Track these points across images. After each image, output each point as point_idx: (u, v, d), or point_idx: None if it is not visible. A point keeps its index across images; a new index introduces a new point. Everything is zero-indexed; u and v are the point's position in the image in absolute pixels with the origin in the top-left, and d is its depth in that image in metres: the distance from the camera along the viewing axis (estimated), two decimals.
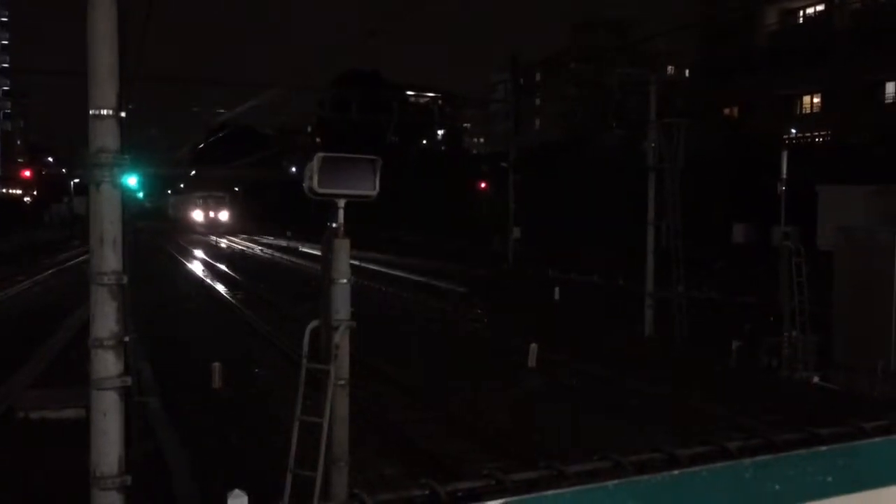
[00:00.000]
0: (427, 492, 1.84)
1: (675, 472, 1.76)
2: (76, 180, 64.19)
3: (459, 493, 1.86)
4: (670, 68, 68.40)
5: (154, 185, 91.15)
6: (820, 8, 46.73)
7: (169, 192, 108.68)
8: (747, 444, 2.07)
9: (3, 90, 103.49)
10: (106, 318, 4.02)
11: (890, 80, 41.71)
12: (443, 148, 66.75)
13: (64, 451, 8.13)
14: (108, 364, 4.04)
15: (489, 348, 16.54)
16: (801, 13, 48.68)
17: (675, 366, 14.75)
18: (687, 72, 62.52)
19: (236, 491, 5.84)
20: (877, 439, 2.11)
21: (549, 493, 1.64)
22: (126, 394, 4.18)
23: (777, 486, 1.91)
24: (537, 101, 79.24)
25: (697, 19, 49.11)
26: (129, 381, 4.16)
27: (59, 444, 8.67)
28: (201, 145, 77.34)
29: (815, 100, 46.50)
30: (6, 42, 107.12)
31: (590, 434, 10.19)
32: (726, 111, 50.28)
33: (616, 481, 1.66)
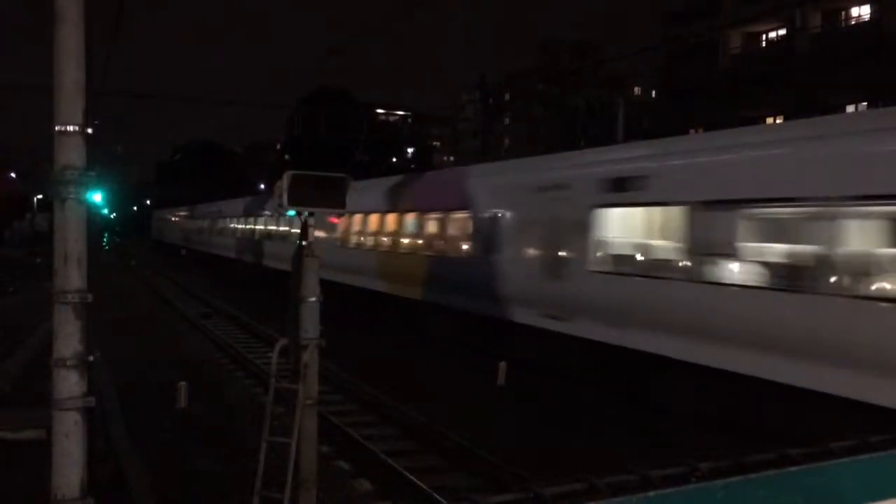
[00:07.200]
0: None
1: (651, 493, 1.78)
2: (39, 196, 63.14)
3: None
4: (637, 90, 69.46)
5: (118, 199, 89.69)
6: (782, 32, 47.73)
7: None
8: (718, 466, 2.10)
9: None
10: (69, 338, 3.95)
11: (849, 104, 42.60)
12: (412, 166, 66.94)
13: (23, 473, 7.92)
14: (70, 384, 3.96)
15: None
16: (764, 37, 49.68)
17: None
18: (654, 93, 63.47)
19: None
20: (844, 459, 2.17)
21: None
22: (90, 414, 4.10)
23: None
24: (506, 121, 79.88)
25: (663, 41, 49.90)
26: (92, 401, 4.08)
27: (18, 467, 8.44)
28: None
29: (778, 121, 47.32)
30: None
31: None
32: (691, 132, 50.93)
33: None
